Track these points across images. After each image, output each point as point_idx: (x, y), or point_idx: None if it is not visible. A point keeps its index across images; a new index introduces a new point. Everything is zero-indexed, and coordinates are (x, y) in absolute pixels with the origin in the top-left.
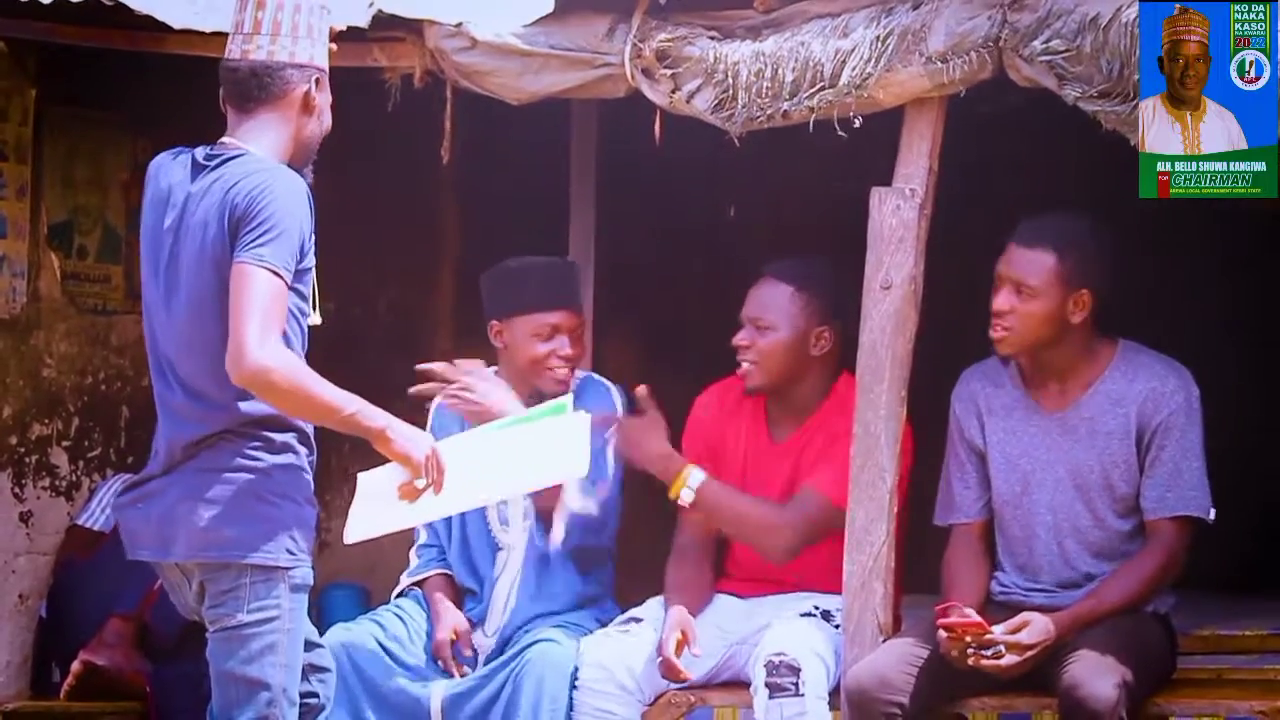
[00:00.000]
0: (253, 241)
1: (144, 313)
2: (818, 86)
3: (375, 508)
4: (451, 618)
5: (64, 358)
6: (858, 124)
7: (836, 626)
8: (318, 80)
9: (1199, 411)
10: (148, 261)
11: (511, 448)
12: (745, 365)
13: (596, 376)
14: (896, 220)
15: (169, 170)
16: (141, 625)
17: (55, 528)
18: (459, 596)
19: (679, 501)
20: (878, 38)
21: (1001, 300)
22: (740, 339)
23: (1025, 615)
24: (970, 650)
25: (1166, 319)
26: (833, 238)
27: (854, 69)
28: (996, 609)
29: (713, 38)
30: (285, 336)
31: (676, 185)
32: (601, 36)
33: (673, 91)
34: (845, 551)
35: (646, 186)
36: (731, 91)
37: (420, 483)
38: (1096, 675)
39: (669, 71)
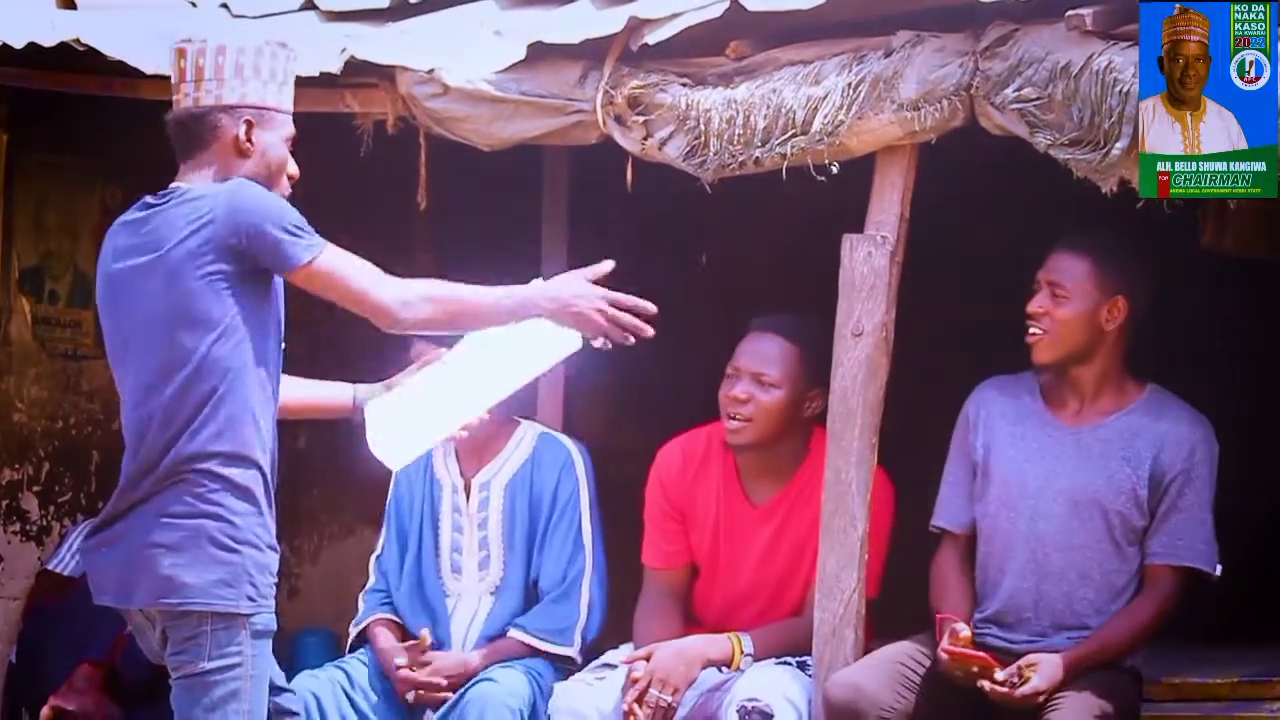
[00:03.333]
0: (286, 247)
1: (109, 354)
2: (789, 134)
3: (407, 425)
4: (393, 654)
5: (34, 402)
6: (834, 170)
7: (811, 676)
8: (249, 121)
9: (1217, 466)
10: (109, 302)
11: (507, 346)
12: (736, 422)
13: (555, 435)
14: (868, 267)
15: (121, 224)
16: (111, 671)
17: (25, 573)
18: (402, 638)
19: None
20: (849, 85)
21: (1037, 302)
22: (739, 392)
23: (1033, 656)
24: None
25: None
26: (803, 285)
27: (826, 116)
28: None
29: (685, 84)
30: (268, 343)
31: (648, 231)
32: (573, 83)
33: (644, 138)
34: (815, 599)
35: (618, 232)
36: (703, 138)
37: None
38: None
39: (641, 118)
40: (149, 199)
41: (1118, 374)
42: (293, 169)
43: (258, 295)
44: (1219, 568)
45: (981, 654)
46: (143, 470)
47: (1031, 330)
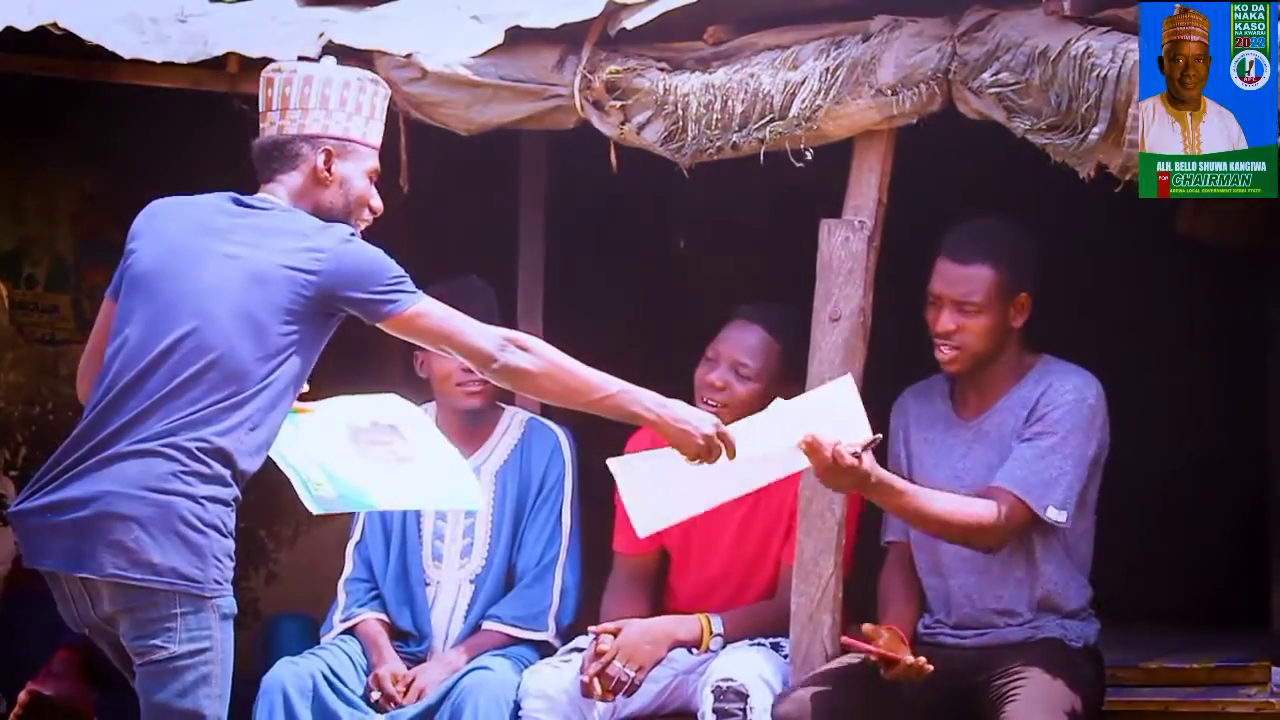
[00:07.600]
0: (379, 304)
1: (116, 320)
2: (767, 118)
3: (658, 494)
4: (393, 660)
5: (12, 387)
6: (809, 156)
7: (785, 657)
8: (329, 151)
9: (1088, 420)
10: (165, 266)
11: (791, 423)
12: (709, 407)
13: (543, 420)
14: (845, 252)
15: (194, 203)
16: (89, 656)
17: (3, 557)
18: (393, 635)
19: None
20: (827, 70)
21: (947, 321)
22: (716, 378)
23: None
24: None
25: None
26: (780, 269)
27: (803, 101)
28: (925, 649)
29: (662, 69)
30: (306, 370)
31: (626, 216)
32: (551, 68)
33: (622, 123)
34: (793, 583)
35: (596, 217)
36: (681, 123)
37: (695, 465)
38: (1034, 715)
39: (619, 103)
40: (240, 197)
41: (1016, 353)
42: (376, 203)
43: (326, 326)
44: (1064, 515)
45: (873, 648)
46: (118, 435)
47: (943, 349)
